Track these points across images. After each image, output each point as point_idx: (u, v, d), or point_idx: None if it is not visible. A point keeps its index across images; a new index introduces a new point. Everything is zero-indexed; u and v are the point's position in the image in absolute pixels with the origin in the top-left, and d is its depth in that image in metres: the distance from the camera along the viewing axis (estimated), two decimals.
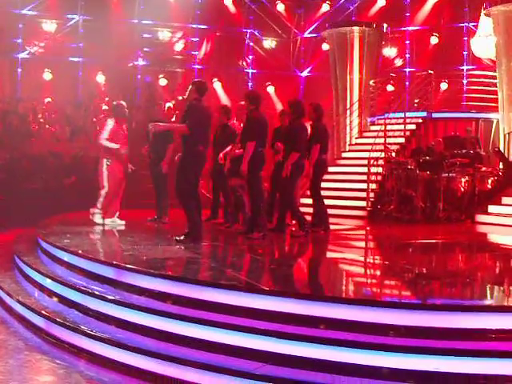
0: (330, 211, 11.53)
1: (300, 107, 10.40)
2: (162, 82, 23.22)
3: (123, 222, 11.53)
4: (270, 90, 24.10)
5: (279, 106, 23.63)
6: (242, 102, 10.97)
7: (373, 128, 18.31)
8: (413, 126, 17.28)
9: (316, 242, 10.32)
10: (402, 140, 16.81)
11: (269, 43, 24.92)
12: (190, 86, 9.21)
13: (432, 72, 18.17)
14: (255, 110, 9.67)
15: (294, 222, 10.90)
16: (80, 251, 8.04)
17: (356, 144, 18.21)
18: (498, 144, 16.70)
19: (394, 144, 16.35)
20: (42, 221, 12.14)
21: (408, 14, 24.00)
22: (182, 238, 9.13)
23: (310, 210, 11.34)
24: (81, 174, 17.00)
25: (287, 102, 10.62)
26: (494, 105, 17.36)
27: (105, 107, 21.56)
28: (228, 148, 10.74)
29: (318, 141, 10.75)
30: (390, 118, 16.96)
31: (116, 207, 11.68)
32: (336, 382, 4.87)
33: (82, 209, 12.95)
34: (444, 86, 21.70)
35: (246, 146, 9.52)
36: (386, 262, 8.76)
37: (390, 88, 22.00)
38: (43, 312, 6.90)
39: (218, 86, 23.78)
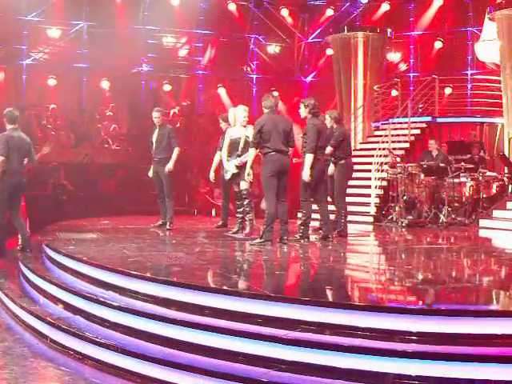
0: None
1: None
2: (167, 87, 23.25)
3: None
4: (274, 95, 24.04)
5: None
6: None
7: (377, 133, 18.32)
8: (417, 131, 17.29)
9: (320, 248, 10.30)
10: (406, 145, 16.83)
11: (273, 48, 24.96)
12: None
13: (436, 77, 18.18)
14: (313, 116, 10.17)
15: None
16: (85, 258, 8.06)
17: (360, 149, 18.18)
18: (503, 148, 16.68)
19: (399, 149, 16.38)
20: (47, 227, 12.16)
21: (412, 19, 24.06)
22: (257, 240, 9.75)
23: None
24: (86, 180, 17.04)
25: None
26: (498, 109, 17.37)
27: (109, 113, 21.63)
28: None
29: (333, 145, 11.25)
30: (395, 123, 16.99)
31: None
32: None
33: (86, 216, 12.98)
34: (448, 90, 21.64)
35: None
36: (391, 267, 8.74)
37: (394, 93, 21.95)
38: (48, 319, 6.89)
39: (222, 91, 23.81)
